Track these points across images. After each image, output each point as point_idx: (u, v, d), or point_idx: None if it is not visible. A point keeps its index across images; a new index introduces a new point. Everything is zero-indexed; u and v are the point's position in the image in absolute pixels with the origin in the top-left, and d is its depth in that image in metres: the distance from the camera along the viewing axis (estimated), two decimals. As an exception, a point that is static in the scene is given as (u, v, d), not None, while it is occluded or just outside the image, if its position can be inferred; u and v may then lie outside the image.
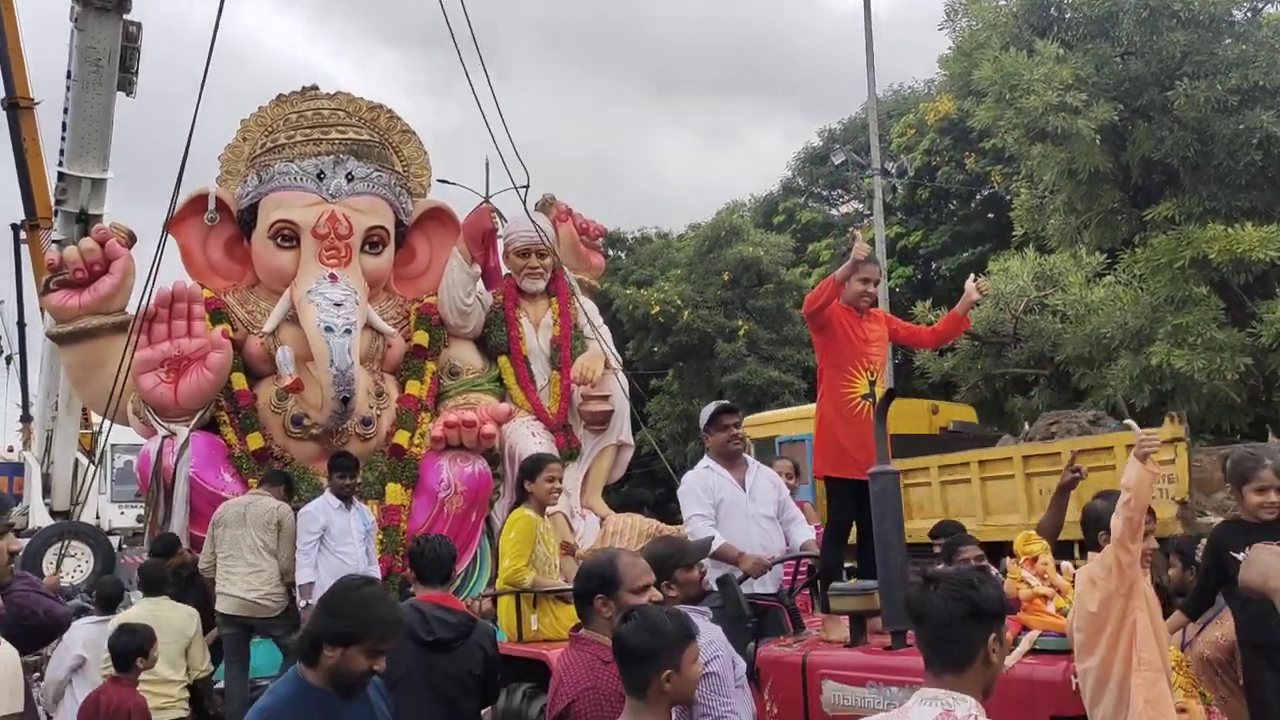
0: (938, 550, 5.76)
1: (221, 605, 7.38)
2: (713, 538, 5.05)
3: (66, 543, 11.39)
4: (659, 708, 2.88)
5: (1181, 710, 3.59)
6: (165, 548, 7.34)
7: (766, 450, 12.75)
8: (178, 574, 7.50)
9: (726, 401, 5.99)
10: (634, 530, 8.58)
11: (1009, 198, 22.02)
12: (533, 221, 9.88)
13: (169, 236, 9.10)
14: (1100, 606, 3.42)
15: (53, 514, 16.63)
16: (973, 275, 5.82)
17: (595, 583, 3.53)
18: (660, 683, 2.85)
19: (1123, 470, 3.61)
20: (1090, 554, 3.73)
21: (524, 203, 10.04)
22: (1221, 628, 5.20)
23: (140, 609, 6.89)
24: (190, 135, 8.64)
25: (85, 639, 6.55)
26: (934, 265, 29.06)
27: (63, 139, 13.54)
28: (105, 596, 7.18)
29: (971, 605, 2.44)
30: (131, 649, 5.70)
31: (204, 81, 8.56)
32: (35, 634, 3.72)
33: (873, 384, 5.07)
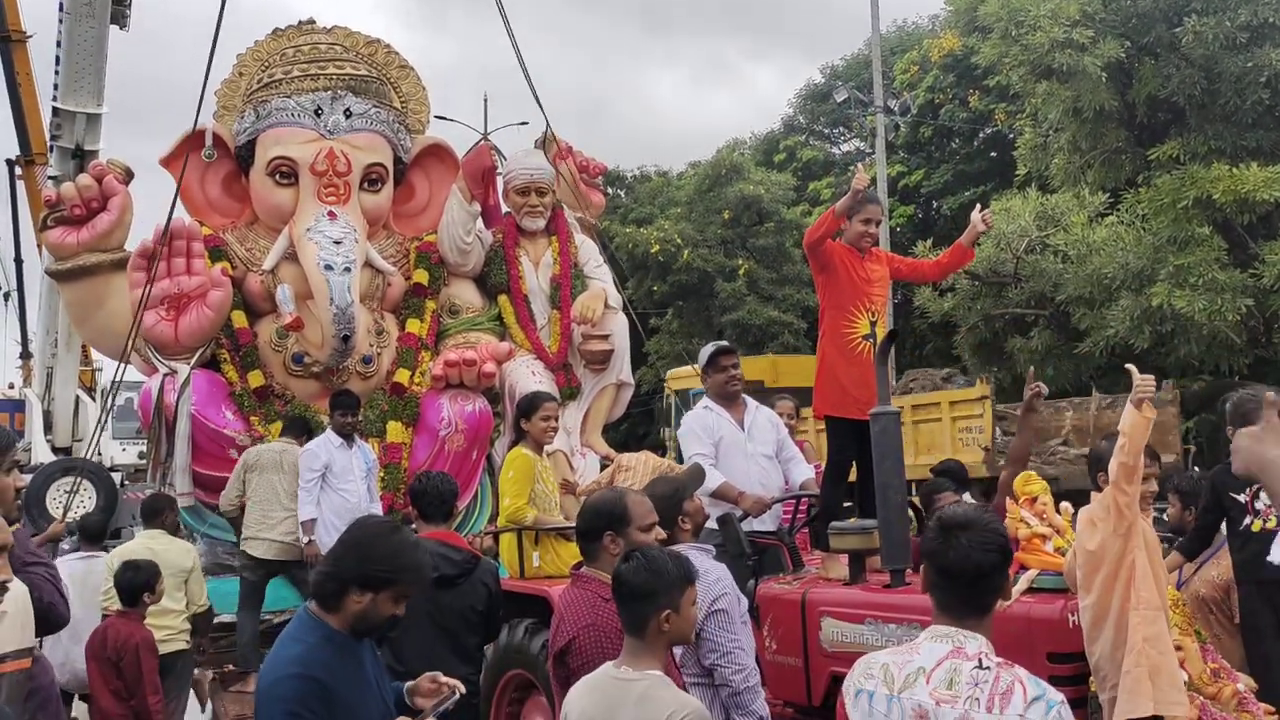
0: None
1: (256, 549, 7.46)
2: (704, 466, 5.10)
3: (79, 480, 11.47)
4: (657, 647, 2.91)
5: (1177, 648, 3.64)
6: (153, 510, 7.29)
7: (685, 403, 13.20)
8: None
9: (724, 342, 6.00)
10: (647, 467, 8.53)
11: (1012, 136, 21.84)
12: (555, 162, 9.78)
13: (166, 172, 9.03)
14: (1099, 546, 3.47)
15: (54, 450, 16.74)
16: (979, 205, 5.76)
17: (604, 520, 3.56)
18: (660, 622, 2.87)
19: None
20: (1093, 494, 3.76)
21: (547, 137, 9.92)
22: (1217, 567, 5.26)
23: (136, 543, 6.95)
24: (205, 86, 8.52)
25: (69, 574, 6.62)
26: (935, 204, 28.91)
27: (56, 73, 13.39)
28: (90, 531, 7.23)
29: (1002, 555, 2.44)
30: (138, 584, 5.77)
31: (216, 36, 8.31)
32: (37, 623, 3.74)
33: (874, 324, 5.07)
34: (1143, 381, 3.59)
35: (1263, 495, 4.76)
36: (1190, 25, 13.58)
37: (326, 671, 2.86)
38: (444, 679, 3.17)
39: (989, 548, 2.41)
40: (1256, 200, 13.08)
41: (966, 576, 2.41)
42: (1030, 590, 3.79)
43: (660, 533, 3.61)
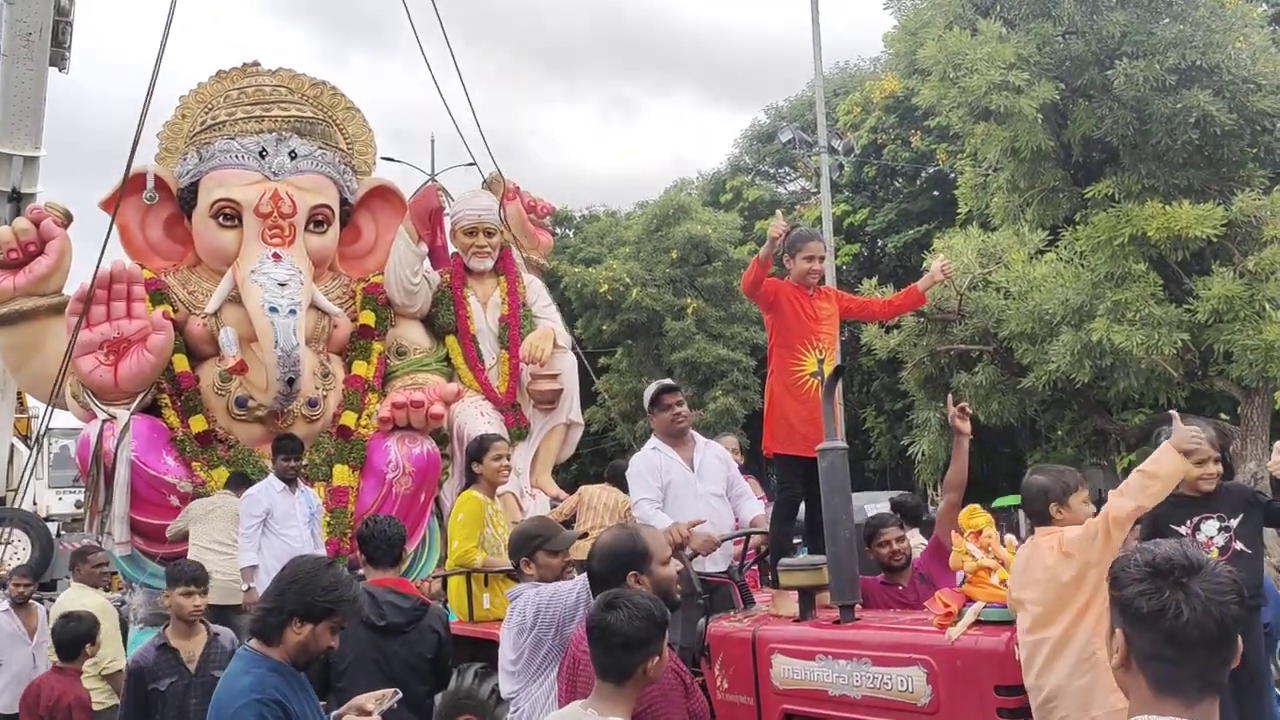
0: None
1: None
2: (583, 533, 5.05)
3: (9, 530, 11.17)
4: (633, 693, 2.91)
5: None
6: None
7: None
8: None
9: (668, 381, 5.96)
10: (614, 502, 8.43)
11: (954, 175, 22.23)
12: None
13: (106, 216, 8.91)
14: (1073, 579, 3.44)
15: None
16: (941, 256, 5.87)
17: (626, 559, 3.48)
18: (645, 669, 2.88)
19: None
20: (1040, 529, 3.77)
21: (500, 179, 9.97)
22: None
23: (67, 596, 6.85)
24: (139, 130, 8.43)
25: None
26: (880, 242, 29.31)
27: (-8, 115, 13.17)
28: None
29: (1244, 606, 1.79)
30: (80, 635, 5.60)
31: (153, 83, 8.30)
32: None
33: (821, 362, 5.10)
34: (1190, 432, 3.57)
35: (1203, 527, 4.83)
36: (1121, 68, 13.95)
37: (282, 695, 3.00)
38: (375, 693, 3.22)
39: (1230, 596, 1.77)
40: (1189, 237, 13.39)
41: (1208, 640, 1.74)
42: (977, 623, 3.81)
43: (677, 562, 3.61)
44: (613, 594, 3.05)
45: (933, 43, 14.88)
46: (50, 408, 8.21)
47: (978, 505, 4.35)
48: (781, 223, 5.17)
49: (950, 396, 5.56)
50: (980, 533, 4.05)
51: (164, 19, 8.49)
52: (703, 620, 4.78)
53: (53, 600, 9.56)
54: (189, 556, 7.48)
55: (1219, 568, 1.81)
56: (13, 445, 17.06)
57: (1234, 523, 4.72)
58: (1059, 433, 18.86)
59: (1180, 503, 4.68)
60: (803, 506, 5.25)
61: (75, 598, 6.93)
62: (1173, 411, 3.74)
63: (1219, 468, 4.67)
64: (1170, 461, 3.45)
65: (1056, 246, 15.70)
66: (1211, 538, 4.87)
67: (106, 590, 8.58)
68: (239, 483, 7.92)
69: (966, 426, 4.97)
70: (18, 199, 13.03)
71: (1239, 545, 4.73)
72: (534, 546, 4.11)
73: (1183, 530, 5.07)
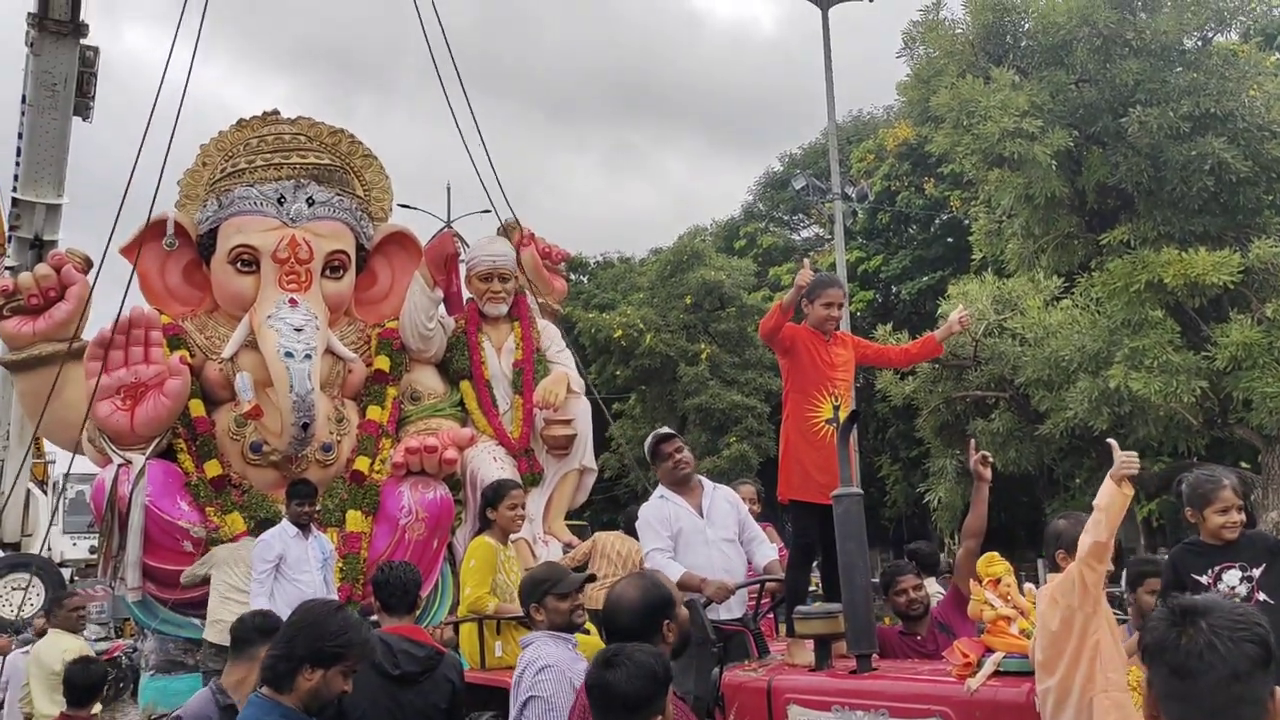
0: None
1: (214, 634, 7.38)
2: (592, 576, 4.99)
3: (31, 577, 11.20)
4: None
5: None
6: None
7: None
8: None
9: (665, 430, 5.84)
10: (627, 550, 8.37)
11: (968, 222, 22.28)
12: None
13: (125, 262, 8.99)
14: (1061, 624, 3.42)
15: (2, 546, 16.31)
16: (960, 307, 5.87)
17: (660, 608, 3.43)
18: None
19: None
20: (1050, 574, 3.73)
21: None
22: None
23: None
24: (133, 170, 8.57)
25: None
26: (894, 289, 29.34)
27: (17, 164, 13.38)
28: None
29: (1264, 648, 1.76)
30: (94, 681, 5.53)
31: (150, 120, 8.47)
32: None
33: (837, 408, 5.07)
34: (1126, 458, 3.57)
35: (1225, 576, 4.75)
36: (1135, 115, 14.02)
37: None
38: None
39: (1246, 637, 1.76)
40: (1206, 284, 13.38)
41: (1215, 674, 1.74)
42: (997, 674, 3.75)
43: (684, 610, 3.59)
44: (611, 650, 2.93)
45: (946, 90, 14.99)
46: (74, 454, 8.24)
47: (996, 553, 4.29)
48: (808, 271, 5.18)
49: (972, 442, 5.52)
50: (999, 581, 3.99)
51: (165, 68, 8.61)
52: (717, 669, 4.71)
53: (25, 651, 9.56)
54: (210, 603, 7.48)
55: (1238, 608, 1.80)
56: (29, 490, 17.13)
57: (1256, 572, 4.64)
58: (1077, 481, 18.73)
59: (1202, 551, 4.61)
60: None
61: (53, 643, 6.86)
62: (1110, 440, 3.71)
63: (1242, 516, 4.59)
64: (1106, 491, 3.45)
65: (1072, 293, 15.69)
66: (1234, 588, 4.78)
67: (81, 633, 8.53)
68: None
69: (987, 473, 4.93)
70: (39, 245, 13.19)
71: (1262, 596, 4.65)
72: (543, 591, 4.08)
73: (1204, 579, 4.99)
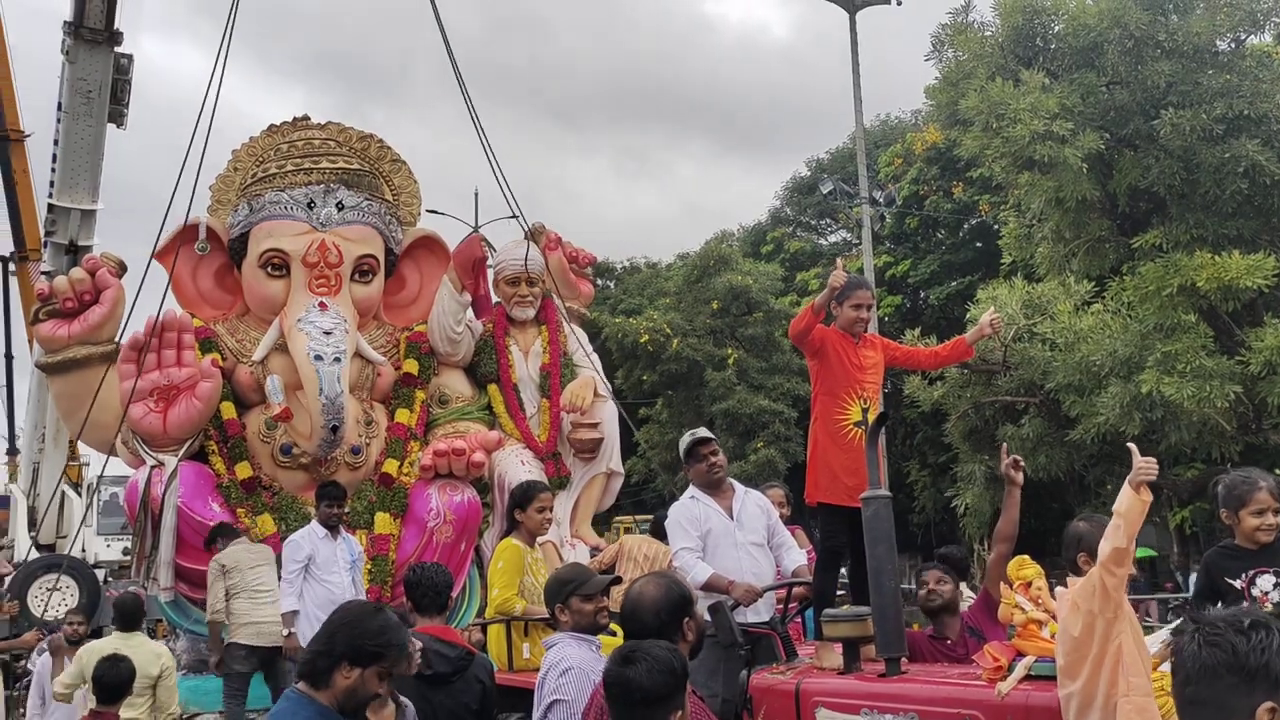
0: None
1: (246, 636, 7.39)
2: (618, 578, 4.99)
3: (58, 577, 11.32)
4: None
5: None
6: (133, 613, 7.32)
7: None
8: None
9: (702, 432, 5.84)
10: (654, 553, 8.40)
11: (997, 226, 22.14)
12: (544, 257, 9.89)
13: (159, 267, 9.10)
14: (1083, 630, 3.39)
15: (38, 547, 16.50)
16: (991, 309, 5.84)
17: (680, 606, 3.49)
18: None
19: None
20: (1070, 577, 3.70)
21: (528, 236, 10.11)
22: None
23: (107, 642, 6.85)
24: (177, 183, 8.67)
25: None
26: (922, 294, 29.20)
27: (53, 171, 13.56)
28: (125, 611, 7.06)
29: (1233, 656, 1.77)
30: (123, 679, 5.58)
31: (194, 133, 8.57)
32: None
33: (865, 411, 5.05)
34: (1144, 464, 3.54)
35: (1259, 581, 4.69)
36: (1167, 118, 13.88)
37: None
38: None
39: (1213, 642, 1.81)
40: (1239, 287, 13.22)
41: (1210, 672, 1.80)
42: (1028, 677, 3.72)
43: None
44: (629, 647, 2.94)
45: (975, 94, 14.89)
46: (108, 456, 8.34)
47: (1026, 557, 4.26)
48: (842, 273, 5.16)
49: (1005, 447, 5.49)
50: (1030, 584, 3.96)
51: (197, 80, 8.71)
52: (744, 672, 4.70)
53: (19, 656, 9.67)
54: (236, 606, 7.46)
55: (1240, 616, 1.84)
56: (64, 492, 17.33)
57: (1292, 577, 4.59)
58: (1108, 487, 18.54)
59: (1237, 555, 4.55)
60: None
61: (136, 645, 6.84)
62: (1130, 445, 3.67)
63: (1279, 519, 4.53)
64: (1125, 498, 3.41)
65: (1103, 297, 15.56)
66: (1267, 593, 4.72)
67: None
68: (228, 534, 7.90)
69: (1020, 478, 4.90)
70: (74, 251, 13.36)
71: (1296, 601, 4.59)
72: (567, 593, 4.08)
73: (1237, 584, 4.93)
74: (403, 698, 3.78)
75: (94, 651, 6.35)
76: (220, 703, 7.50)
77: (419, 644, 3.46)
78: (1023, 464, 5.02)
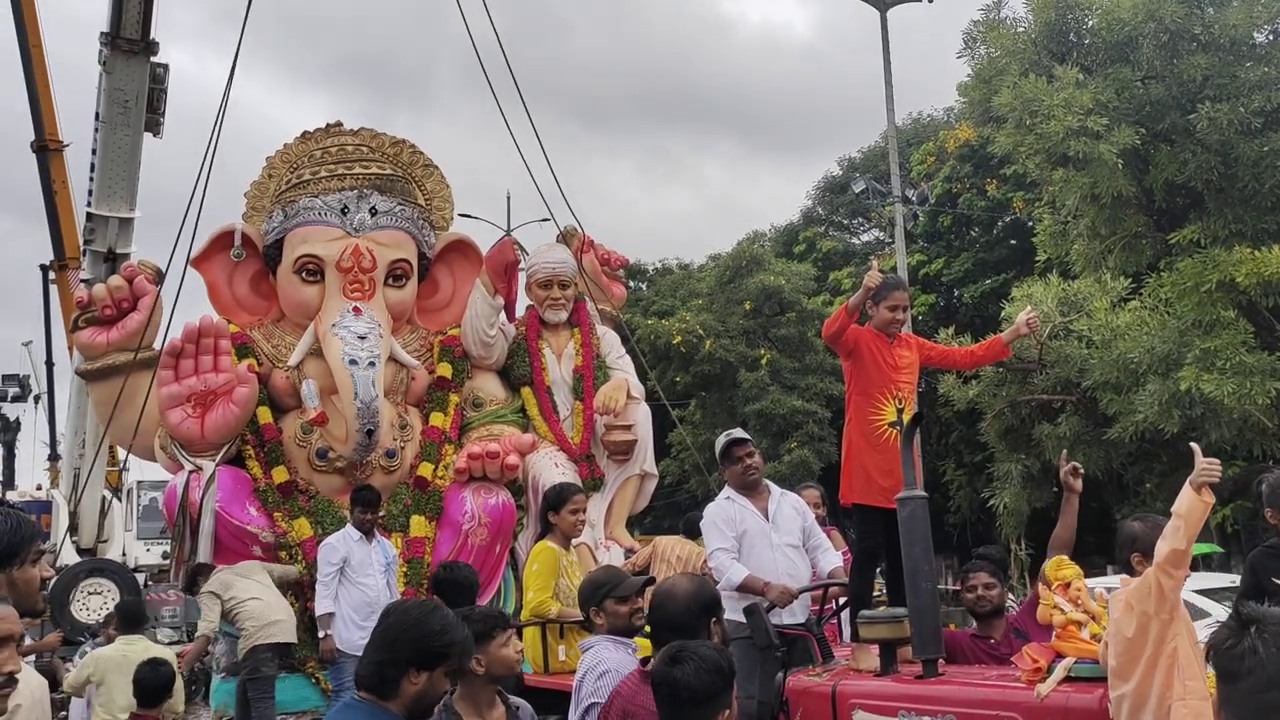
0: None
1: (266, 636, 7.44)
2: (652, 579, 4.97)
3: (99, 581, 11.48)
4: None
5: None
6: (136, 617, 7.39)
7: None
8: None
9: (738, 433, 5.85)
10: (687, 554, 8.40)
11: (1031, 224, 21.96)
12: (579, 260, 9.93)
13: (195, 273, 9.21)
14: (1137, 631, 3.35)
15: (79, 552, 16.73)
16: (1029, 308, 5.80)
17: (709, 605, 3.52)
18: None
19: None
20: (1122, 576, 3.65)
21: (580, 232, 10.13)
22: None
23: (112, 647, 6.94)
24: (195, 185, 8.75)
25: (104, 658, 6.69)
26: (956, 292, 28.99)
27: (91, 180, 13.74)
28: (128, 614, 7.18)
29: None
30: (163, 682, 5.63)
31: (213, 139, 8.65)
32: None
33: (900, 411, 5.02)
34: (1207, 464, 3.48)
35: (1305, 579, 4.62)
36: (1204, 112, 13.71)
37: None
38: None
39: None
40: (1280, 282, 13.05)
41: (1250, 682, 1.76)
42: (1067, 679, 3.68)
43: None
44: (677, 647, 2.93)
45: (1008, 90, 14.78)
46: (128, 456, 8.46)
47: (1065, 557, 4.22)
48: (878, 273, 5.14)
49: (1064, 454, 5.44)
50: (1069, 585, 3.92)
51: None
52: (781, 674, 4.69)
53: (64, 658, 9.78)
54: (254, 609, 7.51)
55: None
56: (104, 497, 17.57)
57: (1338, 577, 4.51)
58: (1148, 485, 18.31)
59: (1280, 554, 4.49)
60: None
61: (140, 649, 6.98)
62: (1193, 445, 3.61)
63: (1325, 519, 4.47)
64: (1186, 499, 3.36)
65: (1140, 294, 15.39)
66: (1314, 591, 4.65)
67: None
68: (206, 573, 7.91)
69: (1078, 484, 4.87)
70: (113, 259, 13.53)
71: (1344, 601, 4.51)
72: (602, 595, 4.09)
73: (1281, 582, 4.87)
74: (514, 698, 3.70)
75: (99, 654, 6.46)
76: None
77: None
78: (1081, 470, 4.98)
